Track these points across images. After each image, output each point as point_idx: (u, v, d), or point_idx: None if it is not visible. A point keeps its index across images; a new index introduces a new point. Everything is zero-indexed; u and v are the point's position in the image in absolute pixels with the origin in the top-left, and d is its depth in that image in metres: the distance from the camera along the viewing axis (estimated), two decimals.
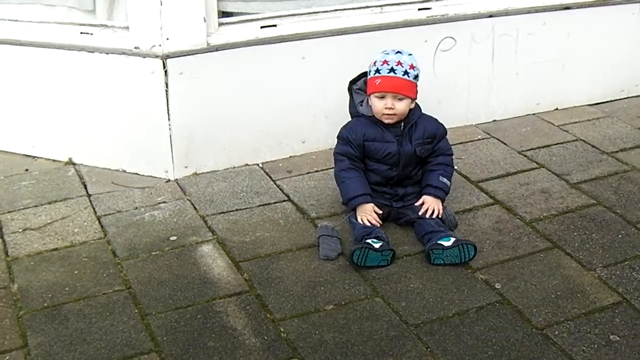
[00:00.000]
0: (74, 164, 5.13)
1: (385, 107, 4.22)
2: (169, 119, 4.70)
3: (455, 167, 4.96)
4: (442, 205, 4.35)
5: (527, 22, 5.57)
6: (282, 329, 3.62)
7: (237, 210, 4.61)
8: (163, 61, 4.57)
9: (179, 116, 4.72)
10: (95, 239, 4.33)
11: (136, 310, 3.75)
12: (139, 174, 5.00)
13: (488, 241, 4.27)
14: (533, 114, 5.90)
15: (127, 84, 4.74)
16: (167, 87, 4.61)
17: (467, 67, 5.49)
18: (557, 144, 5.44)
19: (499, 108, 5.74)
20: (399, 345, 3.52)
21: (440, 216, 4.29)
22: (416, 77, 4.20)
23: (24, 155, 5.28)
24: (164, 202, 4.70)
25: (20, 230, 4.41)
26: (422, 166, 4.41)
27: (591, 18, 5.79)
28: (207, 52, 4.67)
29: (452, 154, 4.41)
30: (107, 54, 4.70)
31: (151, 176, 4.96)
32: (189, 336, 3.58)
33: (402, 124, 4.32)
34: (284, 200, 4.69)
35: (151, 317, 3.70)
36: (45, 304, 3.80)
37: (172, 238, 4.33)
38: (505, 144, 5.41)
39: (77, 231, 4.39)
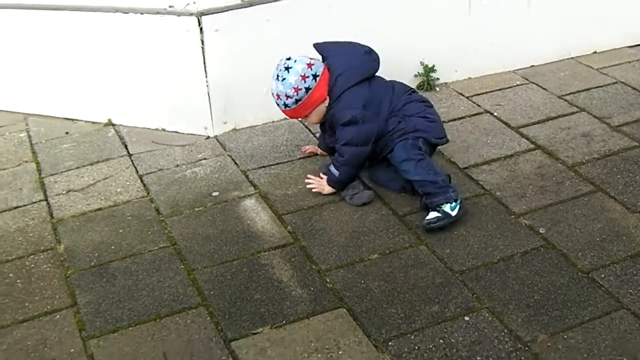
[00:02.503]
0: (113, 124, 5.16)
1: None
2: (206, 76, 4.70)
3: (495, 114, 4.97)
4: (335, 187, 4.27)
5: None
6: (327, 280, 3.64)
7: (278, 164, 4.62)
8: (198, 19, 4.56)
9: (216, 73, 4.72)
10: (138, 197, 4.36)
11: (182, 266, 3.78)
12: (178, 132, 5.02)
13: (531, 186, 4.25)
14: (571, 58, 5.84)
15: (163, 43, 4.75)
16: (202, 44, 4.61)
17: (504, 15, 5.43)
18: (596, 87, 5.38)
19: (537, 53, 5.69)
20: (445, 292, 3.52)
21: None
22: (297, 101, 4.06)
23: (63, 118, 5.32)
24: (205, 158, 4.71)
25: (63, 192, 4.46)
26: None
27: None
28: (241, 7, 4.66)
29: (350, 144, 4.11)
30: (141, 14, 4.70)
31: (191, 134, 4.98)
32: (236, 289, 3.60)
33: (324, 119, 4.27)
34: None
35: (197, 272, 3.73)
36: (92, 263, 3.85)
37: (214, 194, 4.35)
38: (544, 89, 5.35)
39: (120, 191, 4.42)
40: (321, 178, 4.29)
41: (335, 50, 4.16)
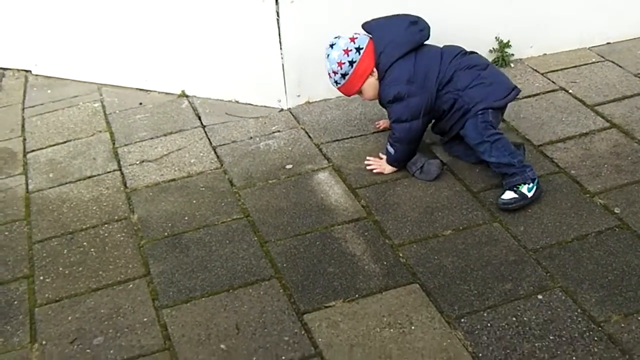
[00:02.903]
0: (187, 96, 5.19)
1: None
2: (280, 48, 4.70)
3: (570, 91, 4.91)
4: (394, 166, 4.25)
5: None
6: (401, 255, 3.63)
7: (351, 137, 4.61)
8: None
9: (291, 45, 4.72)
10: (211, 169, 4.39)
11: (255, 238, 3.80)
12: (252, 104, 5.03)
13: (606, 165, 4.20)
14: None
15: (237, 14, 4.75)
16: (278, 15, 4.60)
17: None
18: None
19: (613, 30, 5.57)
20: (519, 269, 3.50)
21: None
22: (343, 75, 4.07)
23: (137, 89, 5.37)
24: (278, 131, 4.72)
25: (137, 162, 4.50)
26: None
27: None
28: None
29: (401, 121, 4.07)
30: None
31: (264, 106, 4.99)
32: (309, 262, 3.62)
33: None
34: None
35: (270, 244, 3.75)
36: (166, 234, 3.88)
37: (287, 166, 4.36)
38: (620, 66, 5.26)
39: (194, 162, 4.45)
40: (380, 158, 4.28)
41: (379, 26, 4.11)
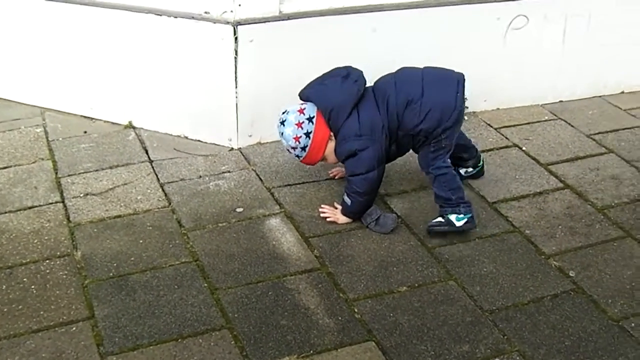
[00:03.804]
0: (134, 127, 5.05)
1: None
2: (236, 87, 4.61)
3: (524, 148, 4.91)
4: (349, 217, 4.17)
5: (601, 3, 5.41)
6: (356, 310, 3.54)
7: (303, 183, 4.52)
8: (234, 28, 4.47)
9: (247, 85, 4.62)
10: (159, 207, 4.25)
11: (205, 284, 3.67)
12: (201, 141, 4.91)
13: (560, 227, 4.17)
14: (599, 97, 5.76)
15: (194, 49, 4.64)
16: (236, 54, 4.51)
17: (538, 47, 5.35)
18: (625, 128, 5.29)
19: (566, 89, 5.61)
20: (475, 331, 3.44)
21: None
22: (303, 148, 4.07)
23: (81, 116, 5.20)
24: (229, 171, 4.61)
25: (81, 195, 4.34)
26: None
27: None
28: (278, 20, 4.57)
29: (356, 174, 4.05)
30: (175, 17, 4.60)
31: (214, 144, 4.87)
32: (261, 313, 3.50)
33: None
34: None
35: (221, 292, 3.62)
36: (111, 274, 3.73)
37: (238, 209, 4.24)
38: (572, 126, 5.28)
39: (141, 198, 4.31)
40: (335, 208, 4.21)
41: (315, 92, 4.09)
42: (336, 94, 4.03)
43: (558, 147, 4.97)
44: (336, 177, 4.54)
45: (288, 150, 4.11)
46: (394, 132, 4.05)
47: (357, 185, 4.03)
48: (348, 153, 4.01)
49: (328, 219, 4.16)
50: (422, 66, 4.16)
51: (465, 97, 4.09)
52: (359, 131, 3.99)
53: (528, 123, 5.27)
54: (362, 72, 4.10)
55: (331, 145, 4.08)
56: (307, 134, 4.02)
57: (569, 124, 5.30)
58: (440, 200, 4.07)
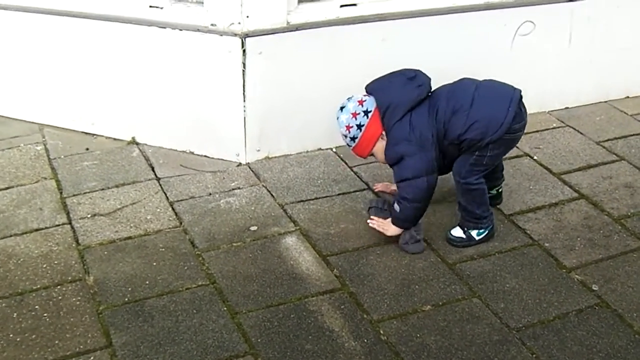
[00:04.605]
0: (137, 143, 4.94)
1: None
2: (244, 101, 4.52)
3: (535, 157, 4.86)
4: (399, 226, 4.04)
5: (606, 8, 5.37)
6: (381, 331, 3.46)
7: (316, 198, 4.43)
8: (242, 40, 4.38)
9: (255, 98, 4.53)
10: (170, 227, 4.14)
11: (225, 308, 3.57)
12: (208, 157, 4.81)
13: (579, 238, 4.11)
14: (605, 102, 5.71)
15: (200, 62, 4.55)
16: (244, 67, 4.42)
17: (544, 53, 5.31)
18: (633, 134, 5.24)
19: (573, 95, 5.57)
20: (504, 350, 3.36)
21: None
22: (353, 139, 4.00)
23: (82, 132, 5.08)
24: (239, 187, 4.51)
25: (88, 215, 4.23)
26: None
27: None
28: (286, 31, 4.48)
29: (403, 180, 3.95)
30: (180, 30, 4.50)
31: (221, 159, 4.77)
32: (285, 337, 3.40)
33: None
34: (364, 189, 4.52)
35: (242, 316, 3.53)
36: (126, 299, 3.62)
37: (252, 228, 4.14)
38: (581, 133, 5.23)
39: (150, 218, 4.20)
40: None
41: (379, 87, 4.03)
42: (396, 93, 3.96)
43: (569, 156, 4.92)
44: (376, 190, 4.49)
45: (341, 134, 4.02)
46: (440, 141, 3.96)
47: (404, 191, 3.94)
48: (396, 156, 3.93)
49: (377, 228, 4.05)
50: (482, 78, 4.09)
51: (524, 117, 4.04)
52: (409, 136, 3.91)
53: (537, 131, 5.20)
54: (430, 79, 4.02)
55: (381, 144, 3.98)
56: (359, 126, 3.94)
57: (578, 131, 5.25)
58: (464, 212, 4.03)
